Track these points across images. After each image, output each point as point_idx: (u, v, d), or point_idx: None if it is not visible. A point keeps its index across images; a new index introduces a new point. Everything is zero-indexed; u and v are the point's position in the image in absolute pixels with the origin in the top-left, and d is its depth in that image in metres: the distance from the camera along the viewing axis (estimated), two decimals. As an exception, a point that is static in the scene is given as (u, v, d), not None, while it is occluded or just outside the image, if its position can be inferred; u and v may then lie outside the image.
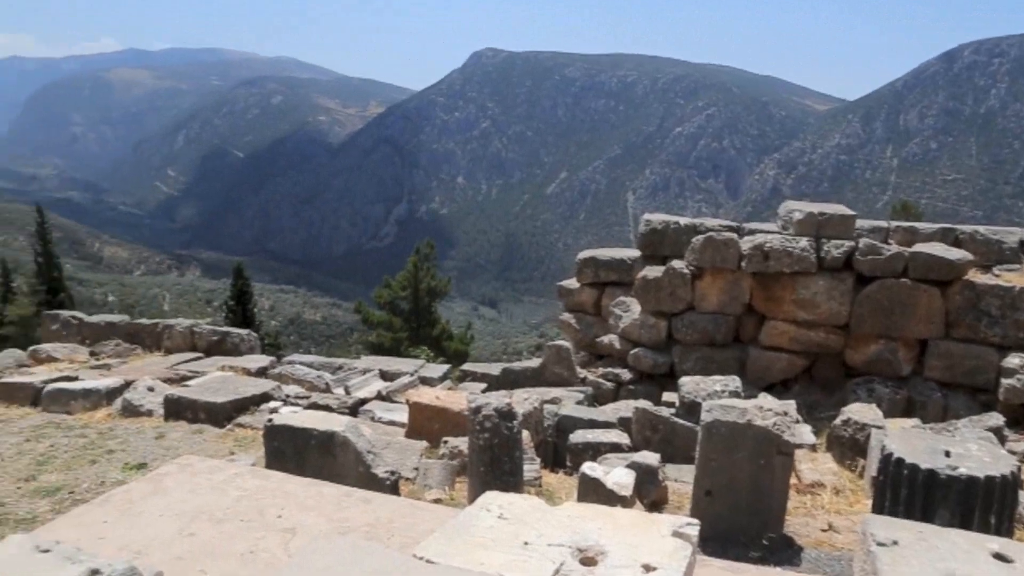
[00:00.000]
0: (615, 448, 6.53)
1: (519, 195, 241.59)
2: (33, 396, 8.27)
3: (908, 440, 4.49)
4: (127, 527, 3.73)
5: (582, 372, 10.43)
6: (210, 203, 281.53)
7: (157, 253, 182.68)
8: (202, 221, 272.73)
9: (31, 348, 11.80)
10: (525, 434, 6.07)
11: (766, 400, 5.45)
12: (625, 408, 7.80)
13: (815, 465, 6.17)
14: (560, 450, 7.07)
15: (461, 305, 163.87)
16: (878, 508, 4.29)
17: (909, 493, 4.16)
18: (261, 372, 9.81)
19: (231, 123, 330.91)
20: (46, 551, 2.78)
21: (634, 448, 6.58)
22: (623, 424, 7.24)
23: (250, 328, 16.65)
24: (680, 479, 5.97)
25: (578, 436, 6.81)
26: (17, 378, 8.91)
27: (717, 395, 6.96)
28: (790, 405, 5.27)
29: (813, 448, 6.68)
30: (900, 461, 4.23)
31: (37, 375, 9.16)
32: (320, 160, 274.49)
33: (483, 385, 10.29)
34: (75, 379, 8.76)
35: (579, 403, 8.57)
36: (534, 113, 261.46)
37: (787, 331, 9.65)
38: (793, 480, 5.62)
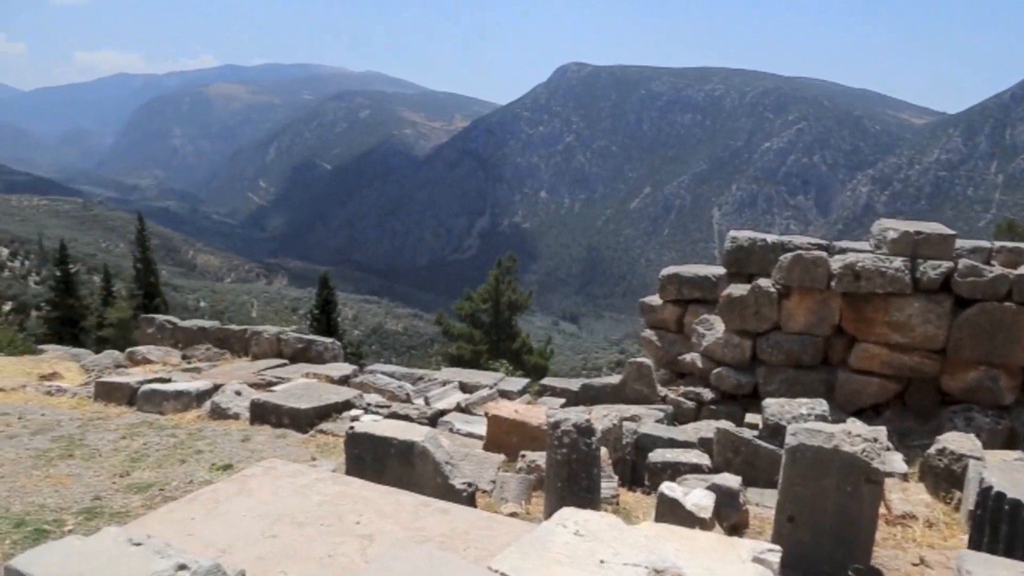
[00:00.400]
0: (695, 469, 6.43)
1: (602, 210, 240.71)
2: (129, 396, 8.61)
3: (1010, 473, 4.29)
4: (213, 525, 3.85)
5: (663, 390, 10.30)
6: (298, 214, 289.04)
7: (247, 261, 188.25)
8: (290, 231, 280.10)
9: (128, 350, 12.30)
10: (603, 451, 6.03)
11: (855, 425, 5.29)
12: (706, 428, 7.67)
13: (906, 495, 5.94)
14: (639, 469, 6.99)
15: (542, 319, 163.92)
16: (975, 544, 4.11)
17: (1010, 530, 3.97)
18: (343, 380, 9.99)
19: (320, 136, 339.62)
20: (138, 544, 2.90)
21: (715, 470, 6.47)
22: (704, 445, 7.12)
23: (334, 337, 17.00)
24: (762, 503, 5.83)
25: (657, 455, 6.72)
26: (115, 378, 9.30)
27: (803, 418, 6.78)
28: (880, 431, 5.09)
29: (905, 478, 6.44)
30: (1001, 495, 4.04)
31: (133, 376, 9.54)
32: (405, 173, 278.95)
33: (562, 400, 10.26)
34: (168, 381, 9.09)
35: (659, 421, 8.46)
36: (619, 127, 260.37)
37: (879, 354, 9.34)
38: (882, 510, 5.42)
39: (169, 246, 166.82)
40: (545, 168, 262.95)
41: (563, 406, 9.60)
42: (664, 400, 10.07)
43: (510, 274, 30.70)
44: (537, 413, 7.15)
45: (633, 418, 8.26)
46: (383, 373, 10.70)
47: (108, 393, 8.80)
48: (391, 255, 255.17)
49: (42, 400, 8.85)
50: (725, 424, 7.46)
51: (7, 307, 69.58)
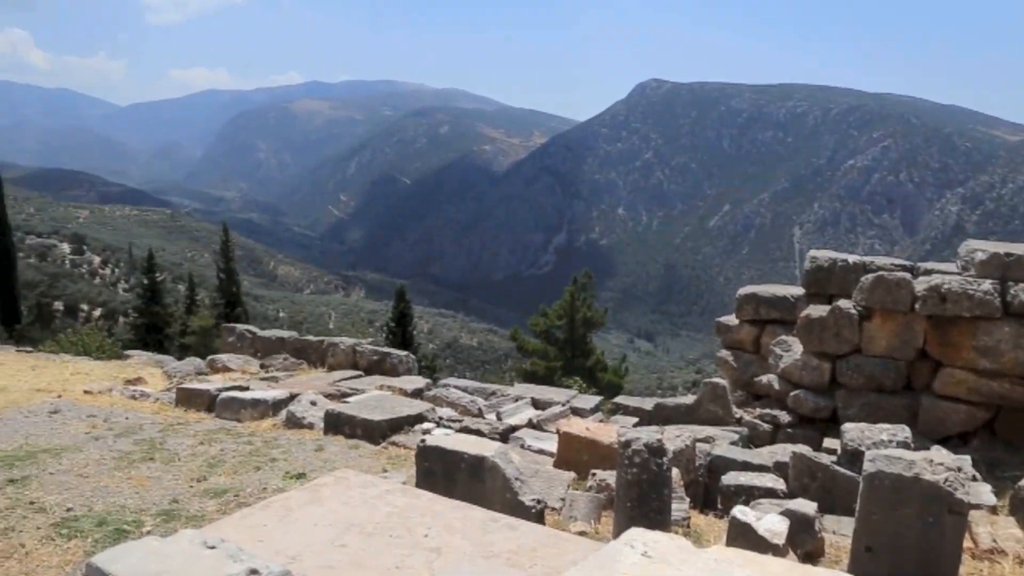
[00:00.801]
0: (769, 493, 6.29)
1: (680, 227, 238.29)
2: (208, 402, 8.87)
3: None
4: (284, 532, 3.93)
5: (738, 412, 10.12)
6: (377, 227, 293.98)
7: (326, 273, 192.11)
8: (368, 244, 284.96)
9: (209, 357, 12.68)
10: (675, 472, 5.95)
11: (938, 454, 5.10)
12: (782, 452, 7.50)
13: (995, 529, 5.70)
14: (711, 491, 6.88)
15: (617, 337, 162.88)
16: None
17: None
18: (417, 393, 10.09)
19: (400, 151, 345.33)
20: (212, 547, 2.98)
21: (790, 495, 6.32)
22: (779, 469, 6.96)
23: (409, 350, 17.20)
24: (839, 532, 5.67)
25: (730, 478, 6.61)
26: (196, 385, 9.59)
27: (884, 444, 6.57)
28: (965, 461, 4.90)
29: (993, 510, 6.18)
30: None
31: (213, 383, 9.82)
32: (483, 188, 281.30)
33: (635, 419, 10.16)
34: (246, 389, 9.32)
35: (733, 444, 8.32)
36: (698, 144, 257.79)
37: (965, 380, 9.00)
38: (968, 544, 5.21)
39: (251, 257, 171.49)
40: (623, 185, 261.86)
41: (636, 425, 9.51)
42: (739, 422, 9.89)
43: (586, 291, 30.61)
44: (609, 431, 7.10)
45: (707, 439, 8.13)
46: (456, 387, 10.77)
47: (189, 399, 9.08)
48: (467, 270, 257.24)
49: (127, 404, 9.18)
50: (802, 448, 7.29)
51: (97, 313, 72.46)
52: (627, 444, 5.12)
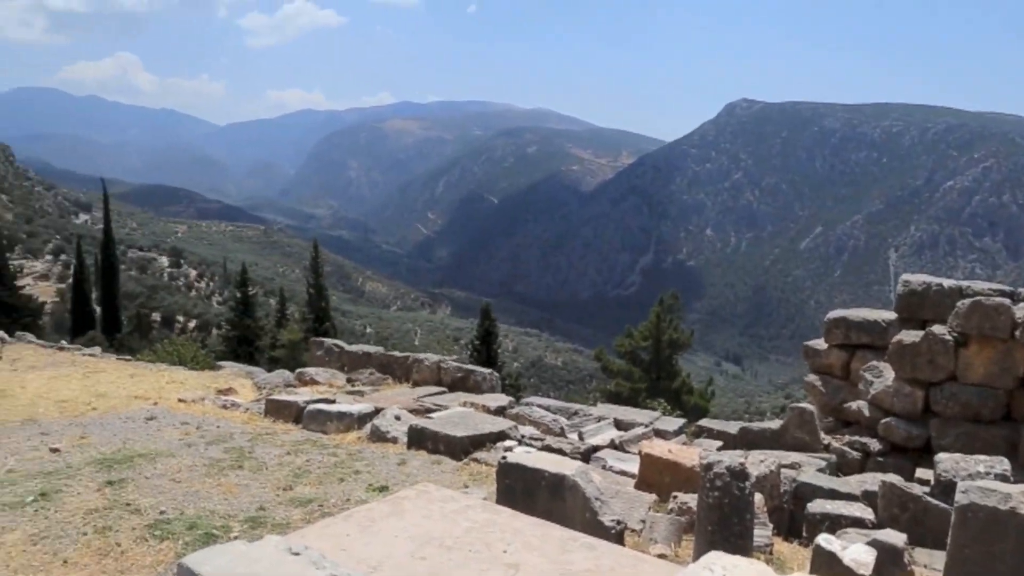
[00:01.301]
0: (857, 523, 6.11)
1: (770, 249, 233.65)
2: (296, 414, 9.11)
3: None
4: (366, 543, 4.01)
5: (826, 438, 9.85)
6: (464, 245, 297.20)
7: (413, 290, 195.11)
8: (455, 262, 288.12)
9: (298, 370, 13.02)
10: (758, 497, 5.83)
11: (1040, 488, 4.88)
12: (871, 481, 7.27)
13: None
14: (796, 518, 6.72)
15: (703, 359, 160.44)
16: None
17: None
18: (500, 411, 10.14)
19: (488, 170, 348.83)
20: (296, 554, 3.08)
21: (878, 525, 6.12)
22: (868, 498, 6.75)
23: (493, 368, 17.30)
24: (931, 566, 5.47)
25: (816, 506, 6.44)
26: (284, 397, 9.85)
27: (980, 476, 6.30)
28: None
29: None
30: None
31: (301, 395, 10.07)
32: (570, 208, 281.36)
33: (719, 443, 10.00)
34: (332, 402, 9.53)
35: (820, 471, 8.10)
36: (789, 165, 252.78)
37: (1073, 413, 8.59)
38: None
39: (340, 273, 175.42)
40: (711, 205, 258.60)
41: (720, 449, 9.36)
42: (827, 449, 9.63)
43: (672, 312, 30.27)
44: (691, 454, 7.01)
45: (793, 466, 7.95)
46: (539, 406, 10.79)
47: (277, 410, 9.34)
48: (553, 289, 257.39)
49: (218, 413, 9.50)
50: (892, 478, 7.06)
51: (192, 324, 75.11)
52: (709, 467, 5.06)
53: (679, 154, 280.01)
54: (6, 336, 19.06)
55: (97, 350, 18.47)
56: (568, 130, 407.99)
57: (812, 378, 10.87)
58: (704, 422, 11.37)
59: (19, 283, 48.64)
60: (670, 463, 6.85)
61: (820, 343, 10.83)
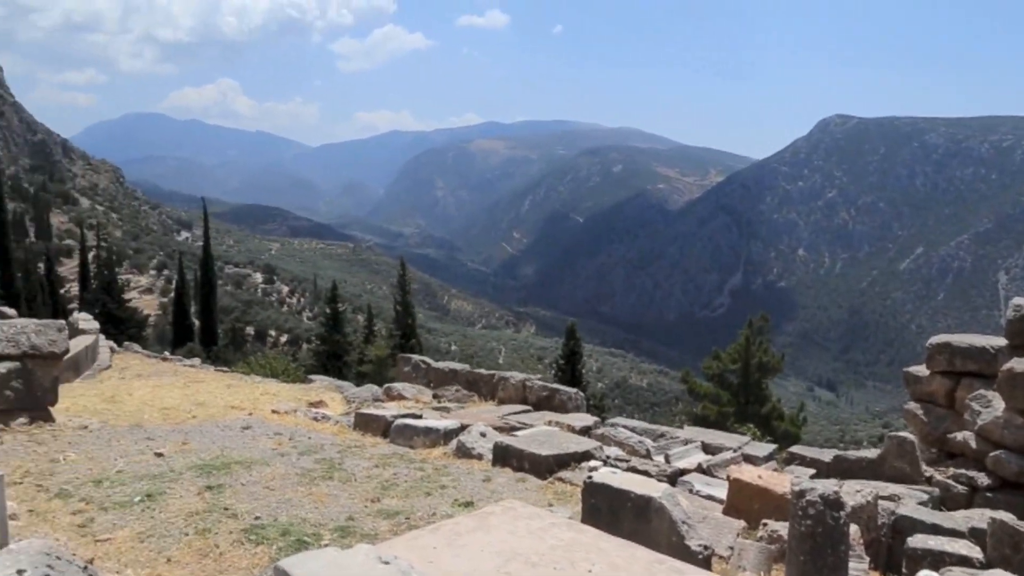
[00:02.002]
0: (963, 561, 5.85)
1: (867, 270, 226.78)
2: (384, 428, 9.27)
3: None
4: (452, 556, 4.06)
5: (928, 470, 9.48)
6: (548, 264, 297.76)
7: (497, 308, 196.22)
8: (539, 281, 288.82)
9: (385, 385, 13.25)
10: (854, 528, 5.66)
11: None
12: (979, 517, 6.96)
13: None
14: (895, 553, 6.48)
15: (795, 384, 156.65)
16: None
17: None
18: (585, 431, 10.10)
19: (573, 189, 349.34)
20: (386, 563, 3.16)
21: (987, 565, 5.84)
22: (975, 536, 6.46)
23: (577, 388, 17.26)
24: (1045, 609, 5.21)
25: (918, 541, 6.20)
26: (373, 411, 10.04)
27: (1102, 516, 5.99)
28: None
29: None
30: None
31: (388, 410, 10.24)
32: (656, 227, 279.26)
33: (811, 471, 9.73)
34: (419, 417, 9.67)
35: (922, 504, 7.80)
36: (887, 183, 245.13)
37: None
38: None
39: (427, 290, 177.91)
40: (804, 225, 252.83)
41: (812, 477, 9.12)
42: (929, 481, 9.26)
43: (762, 335, 29.65)
44: (782, 481, 6.86)
45: (892, 497, 7.68)
46: (624, 427, 10.71)
47: (366, 424, 9.52)
48: (638, 309, 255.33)
49: (309, 425, 9.76)
50: (1003, 515, 6.74)
51: (283, 339, 77.15)
52: (801, 494, 4.95)
53: (770, 172, 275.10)
54: (115, 346, 19.98)
55: (197, 361, 19.19)
56: (654, 149, 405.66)
57: (913, 406, 10.50)
58: (796, 449, 11.09)
59: (126, 296, 51.07)
60: (760, 489, 6.72)
61: (922, 370, 10.45)
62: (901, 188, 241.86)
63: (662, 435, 10.93)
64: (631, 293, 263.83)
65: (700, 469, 8.89)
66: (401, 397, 12.39)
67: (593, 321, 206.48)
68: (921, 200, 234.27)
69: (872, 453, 9.80)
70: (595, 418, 11.15)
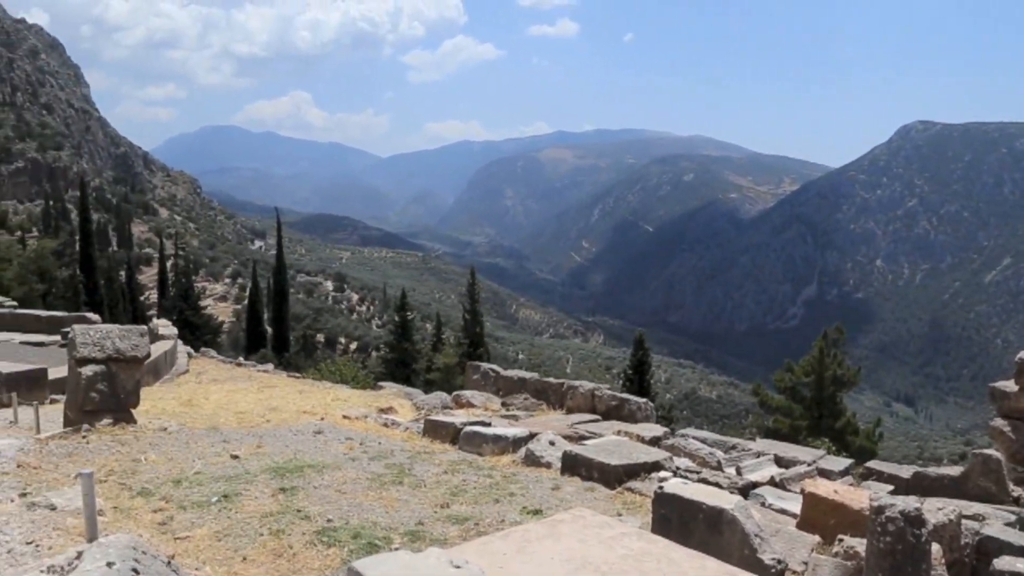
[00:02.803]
0: (1052, 584, 5.63)
1: (949, 282, 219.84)
2: (453, 435, 9.34)
3: None
4: (522, 562, 4.08)
5: (1015, 490, 9.15)
6: (617, 274, 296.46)
7: (566, 318, 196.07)
8: (608, 290, 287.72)
9: (455, 393, 13.36)
10: (935, 548, 5.50)
11: None
12: (1070, 539, 6.69)
13: None
14: (978, 574, 6.27)
15: (871, 398, 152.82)
16: None
17: None
18: (654, 441, 10.03)
19: (643, 198, 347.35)
20: (457, 567, 3.20)
21: (1078, 587, 5.62)
22: (1069, 560, 6.21)
23: (646, 398, 17.13)
24: None
25: (1005, 563, 5.98)
26: (442, 418, 10.14)
27: None
28: None
29: None
30: None
31: (457, 417, 10.33)
32: (727, 236, 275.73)
33: (889, 487, 9.48)
34: (488, 425, 9.71)
35: (1009, 525, 7.52)
36: (972, 191, 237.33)
37: None
38: None
39: (495, 299, 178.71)
40: (882, 235, 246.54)
41: (891, 494, 8.89)
42: (1016, 501, 8.94)
43: (837, 347, 28.98)
44: (859, 496, 6.70)
45: (976, 517, 7.43)
46: (695, 438, 10.60)
47: (435, 430, 9.61)
48: (708, 320, 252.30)
49: (379, 430, 9.90)
50: (1098, 538, 6.48)
51: (353, 346, 78.36)
52: (880, 510, 4.83)
53: (846, 180, 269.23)
54: (192, 351, 20.59)
55: (270, 367, 19.64)
56: (726, 157, 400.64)
57: (999, 423, 10.15)
58: (873, 464, 10.83)
59: (202, 303, 52.64)
60: (836, 504, 6.57)
61: (1010, 385, 10.10)
62: (987, 196, 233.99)
63: (733, 447, 10.79)
64: (701, 303, 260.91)
65: (773, 482, 8.75)
66: (470, 405, 12.47)
67: (662, 331, 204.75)
68: (1009, 208, 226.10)
69: (954, 471, 9.51)
70: (664, 429, 11.06)
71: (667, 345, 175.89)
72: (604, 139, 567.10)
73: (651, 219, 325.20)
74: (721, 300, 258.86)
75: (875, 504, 4.91)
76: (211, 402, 12.08)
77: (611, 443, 9.03)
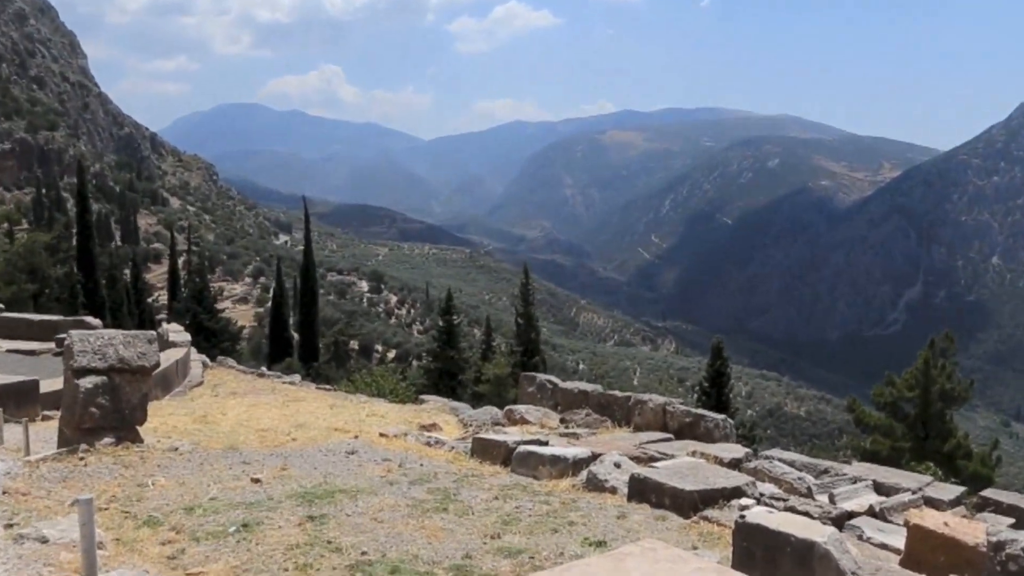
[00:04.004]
0: None
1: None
2: (505, 455, 9.35)
3: None
4: (584, 602, 4.05)
5: None
6: (691, 273, 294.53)
7: (632, 322, 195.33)
8: (681, 291, 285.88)
9: (507, 408, 13.38)
10: (1068, 590, 5.36)
11: None
12: None
13: None
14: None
15: (985, 416, 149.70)
16: None
17: None
18: (734, 464, 9.93)
19: (721, 187, 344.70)
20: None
21: None
22: None
23: (725, 414, 16.99)
24: None
25: None
26: (492, 436, 10.16)
27: None
28: None
29: None
30: None
31: (510, 435, 10.34)
32: (818, 230, 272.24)
33: (1010, 520, 9.27)
34: (545, 444, 9.71)
35: None
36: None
37: None
38: None
39: (552, 301, 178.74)
40: (999, 228, 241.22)
41: (1011, 527, 8.69)
42: None
43: (946, 357, 28.44)
44: (974, 530, 6.55)
45: (1113, 554, 7.23)
46: (781, 460, 10.47)
47: (484, 450, 9.63)
48: (797, 325, 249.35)
49: (421, 450, 9.95)
50: None
51: (391, 354, 78.95)
52: (999, 546, 4.73)
53: (957, 166, 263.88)
54: (207, 360, 20.93)
55: (296, 378, 19.90)
56: (817, 139, 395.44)
57: None
58: (989, 493, 10.60)
59: (219, 306, 53.42)
60: (947, 539, 6.44)
61: None
62: None
63: (825, 471, 10.64)
64: (787, 307, 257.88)
65: (872, 512, 8.62)
66: (524, 421, 12.48)
67: (742, 338, 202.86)
68: None
69: (1088, 502, 9.27)
70: (746, 449, 10.96)
71: (748, 354, 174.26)
72: (677, 119, 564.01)
73: (730, 210, 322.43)
74: (810, 303, 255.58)
75: (993, 539, 4.81)
76: (229, 418, 12.26)
77: (685, 465, 8.98)
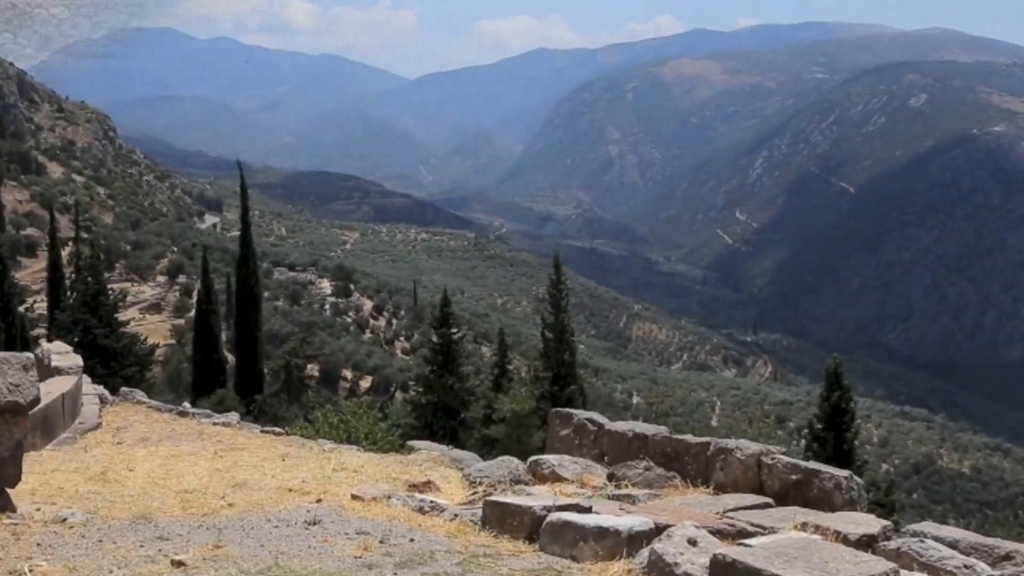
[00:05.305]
0: None
1: None
2: (530, 526, 9.30)
3: None
4: None
5: None
6: (793, 264, 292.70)
7: (709, 335, 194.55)
8: (778, 291, 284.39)
9: (532, 459, 13.34)
10: None
11: None
12: None
13: None
14: None
15: None
16: None
17: None
18: (866, 543, 9.86)
19: (838, 139, 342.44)
20: None
21: None
22: None
23: (849, 468, 16.94)
24: None
25: None
26: (511, 498, 10.10)
27: None
28: None
29: None
30: None
31: (537, 498, 10.29)
32: (988, 200, 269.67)
33: None
34: (587, 511, 9.66)
35: None
36: None
37: None
38: None
39: (593, 306, 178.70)
40: None
41: None
42: None
43: None
44: None
45: None
46: (936, 538, 10.42)
47: (501, 519, 9.59)
48: (951, 340, 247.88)
49: (411, 519, 9.91)
50: None
51: (366, 383, 79.08)
52: None
53: None
54: (107, 394, 20.99)
55: (233, 417, 19.94)
56: (985, 63, 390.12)
57: None
58: None
59: (121, 317, 53.46)
60: None
61: None
62: None
63: (1008, 557, 10.57)
64: (940, 312, 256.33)
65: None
66: (556, 477, 12.47)
67: (872, 359, 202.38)
68: None
69: None
70: (883, 522, 10.89)
71: (880, 382, 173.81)
72: (771, 41, 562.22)
73: (851, 174, 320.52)
74: (973, 307, 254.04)
75: None
76: (139, 475, 12.27)
77: (793, 544, 8.94)
